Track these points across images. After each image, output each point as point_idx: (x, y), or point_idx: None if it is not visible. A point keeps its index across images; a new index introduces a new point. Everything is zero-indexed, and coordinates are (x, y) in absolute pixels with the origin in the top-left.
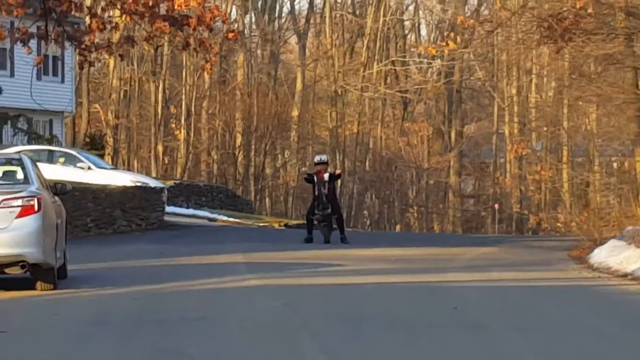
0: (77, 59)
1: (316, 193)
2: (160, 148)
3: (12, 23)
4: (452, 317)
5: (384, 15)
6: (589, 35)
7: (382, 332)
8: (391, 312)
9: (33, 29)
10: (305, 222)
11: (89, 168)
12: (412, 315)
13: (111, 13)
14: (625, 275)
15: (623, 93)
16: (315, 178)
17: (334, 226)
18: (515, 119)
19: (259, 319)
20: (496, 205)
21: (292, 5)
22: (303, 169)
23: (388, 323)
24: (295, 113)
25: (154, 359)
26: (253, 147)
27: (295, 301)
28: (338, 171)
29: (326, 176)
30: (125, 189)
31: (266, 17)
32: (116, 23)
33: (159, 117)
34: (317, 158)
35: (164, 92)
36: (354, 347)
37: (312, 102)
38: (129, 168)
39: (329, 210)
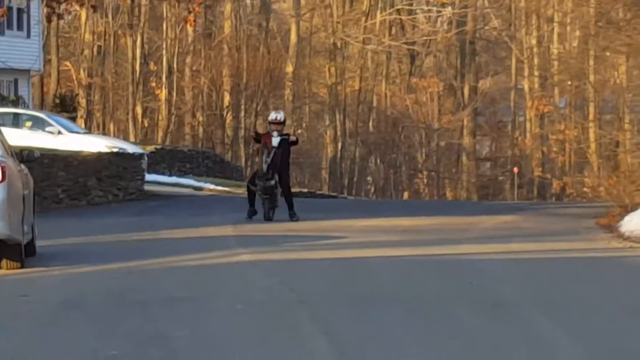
0: (45, 10)
1: (264, 159)
2: (139, 109)
3: None
4: (468, 294)
5: None
6: None
7: (389, 311)
8: (399, 289)
9: None
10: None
11: (59, 132)
12: (423, 292)
13: None
14: None
15: None
16: (274, 141)
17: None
18: (536, 73)
19: (253, 298)
20: (515, 169)
21: None
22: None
23: (395, 301)
24: (289, 69)
25: (137, 346)
26: (243, 107)
27: (292, 278)
28: (293, 137)
29: (275, 141)
30: (100, 156)
31: None
32: None
33: (137, 75)
34: (272, 115)
35: (142, 47)
36: (358, 329)
37: (309, 57)
38: (105, 132)
39: (273, 182)
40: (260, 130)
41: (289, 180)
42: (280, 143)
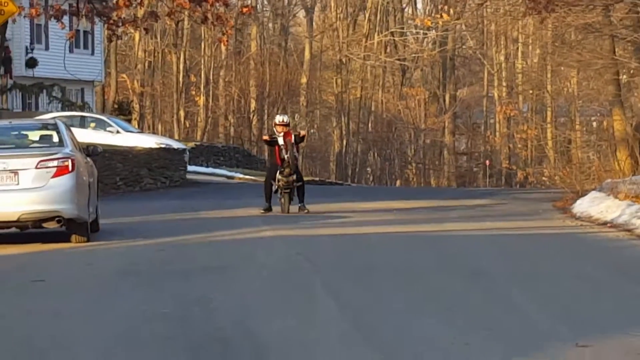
0: (106, 33)
1: (283, 157)
2: (182, 113)
3: (46, 1)
4: (452, 264)
5: None
6: (570, 6)
7: (386, 279)
8: (393, 260)
9: (66, 6)
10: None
11: (118, 132)
12: (414, 263)
13: None
14: (604, 224)
15: (601, 59)
16: (280, 140)
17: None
18: (504, 84)
19: (275, 267)
20: (487, 162)
21: None
22: (267, 132)
23: (391, 270)
24: (303, 80)
25: (181, 306)
26: (266, 111)
27: (307, 250)
28: (303, 132)
29: (293, 138)
30: (150, 150)
31: None
32: (141, 0)
33: (180, 85)
34: (278, 118)
35: (184, 62)
36: (360, 293)
37: (319, 70)
38: (154, 131)
39: (294, 176)
40: (265, 136)
41: (302, 175)
42: (295, 140)
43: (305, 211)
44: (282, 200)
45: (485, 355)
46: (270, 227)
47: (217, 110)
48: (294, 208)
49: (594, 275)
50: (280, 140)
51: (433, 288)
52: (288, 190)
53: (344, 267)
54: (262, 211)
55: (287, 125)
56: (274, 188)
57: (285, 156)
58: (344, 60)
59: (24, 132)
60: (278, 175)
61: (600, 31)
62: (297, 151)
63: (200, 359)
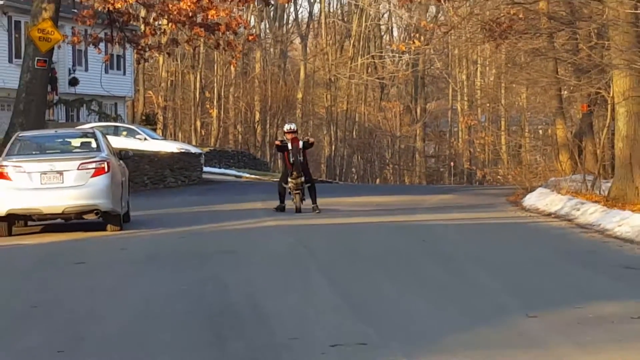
0: (135, 56)
1: (291, 161)
2: (198, 123)
3: (85, 31)
4: (424, 248)
5: (365, 21)
6: (520, 34)
7: (370, 260)
8: (375, 245)
9: (102, 35)
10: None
11: (145, 139)
12: (392, 248)
13: (160, 22)
14: (549, 214)
15: (546, 77)
16: (289, 145)
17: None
18: (465, 98)
19: (276, 251)
20: (451, 163)
21: (296, 15)
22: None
23: (373, 254)
24: (299, 96)
25: (199, 283)
26: (268, 121)
27: (303, 237)
28: (312, 139)
29: (301, 144)
30: (172, 154)
31: (277, 23)
32: (164, 29)
33: (197, 100)
34: (287, 126)
35: (200, 81)
36: (348, 273)
37: (312, 87)
38: (175, 138)
39: (303, 178)
40: (277, 141)
41: (312, 177)
42: (304, 146)
43: (317, 211)
44: (295, 200)
45: (456, 323)
46: (272, 218)
47: (227, 120)
48: (306, 207)
49: (541, 257)
50: (289, 146)
51: (409, 268)
52: (298, 191)
53: (334, 251)
54: (275, 209)
55: (294, 132)
56: (286, 190)
57: (292, 160)
58: (332, 79)
59: (68, 140)
60: (289, 178)
61: (545, 55)
62: (304, 155)
63: (215, 328)
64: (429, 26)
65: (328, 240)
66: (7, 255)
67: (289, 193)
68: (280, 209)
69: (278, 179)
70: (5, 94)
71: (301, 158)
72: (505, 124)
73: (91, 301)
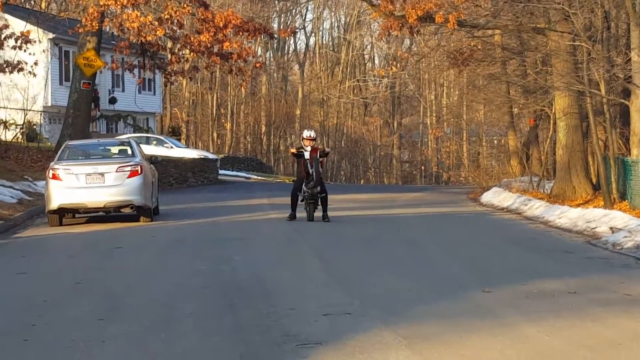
0: (163, 80)
1: (310, 171)
2: (214, 134)
3: (122, 59)
4: (398, 236)
5: (352, 51)
6: (479, 62)
7: (353, 246)
8: (358, 233)
9: (136, 62)
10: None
11: (171, 147)
12: (371, 235)
13: (184, 52)
14: (502, 209)
15: (500, 97)
16: (307, 154)
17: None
18: (434, 114)
19: (277, 237)
20: (422, 167)
21: (295, 46)
22: (293, 146)
23: (357, 240)
24: (297, 112)
25: (214, 263)
26: (272, 133)
27: (301, 227)
28: (327, 149)
29: (318, 154)
30: (194, 160)
31: (279, 53)
32: (187, 58)
33: (214, 115)
34: (306, 133)
35: (216, 100)
36: (335, 254)
37: (308, 105)
38: (196, 147)
39: (318, 189)
40: (292, 149)
41: (325, 187)
42: (319, 155)
43: (327, 220)
44: (307, 209)
45: (424, 297)
46: (276, 212)
47: (238, 132)
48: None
49: (495, 243)
50: (307, 155)
51: (386, 252)
52: (312, 201)
53: (324, 237)
54: (288, 219)
55: (314, 139)
56: (299, 199)
57: (311, 170)
58: (325, 98)
59: (108, 147)
60: (304, 187)
61: (499, 78)
62: (321, 166)
63: (228, 299)
64: (404, 55)
65: (319, 229)
66: (58, 241)
67: (302, 200)
68: (292, 217)
69: (279, 180)
70: (56, 110)
71: (321, 169)
72: (466, 135)
73: (126, 278)
